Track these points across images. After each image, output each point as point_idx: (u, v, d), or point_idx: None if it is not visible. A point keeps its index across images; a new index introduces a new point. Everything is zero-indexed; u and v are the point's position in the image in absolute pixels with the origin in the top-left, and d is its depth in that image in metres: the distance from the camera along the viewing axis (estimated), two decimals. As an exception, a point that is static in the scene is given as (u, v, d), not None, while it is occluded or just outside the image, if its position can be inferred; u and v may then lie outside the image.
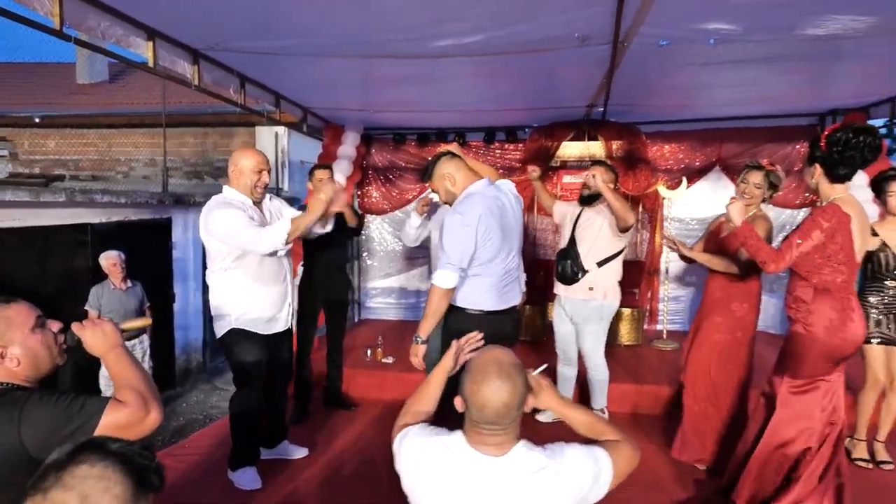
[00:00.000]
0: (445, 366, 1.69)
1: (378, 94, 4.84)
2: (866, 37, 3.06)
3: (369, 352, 4.86)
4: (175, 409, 5.57)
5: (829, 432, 2.48)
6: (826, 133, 2.43)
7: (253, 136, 8.02)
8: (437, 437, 1.45)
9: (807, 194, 5.52)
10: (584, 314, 3.62)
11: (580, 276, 3.60)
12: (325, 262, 3.95)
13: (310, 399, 4.07)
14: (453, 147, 2.99)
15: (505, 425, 1.36)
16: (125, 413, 1.35)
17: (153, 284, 5.39)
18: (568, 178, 6.01)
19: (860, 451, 3.40)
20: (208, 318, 6.57)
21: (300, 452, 3.40)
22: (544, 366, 1.71)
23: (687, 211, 5.84)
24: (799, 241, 2.38)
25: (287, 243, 2.79)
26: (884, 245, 3.25)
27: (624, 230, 3.54)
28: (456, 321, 2.61)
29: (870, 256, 3.26)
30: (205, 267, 6.56)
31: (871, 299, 3.28)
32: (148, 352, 4.58)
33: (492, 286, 2.62)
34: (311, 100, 5.15)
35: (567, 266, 3.59)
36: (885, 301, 3.26)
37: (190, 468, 3.30)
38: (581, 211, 3.72)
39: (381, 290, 6.63)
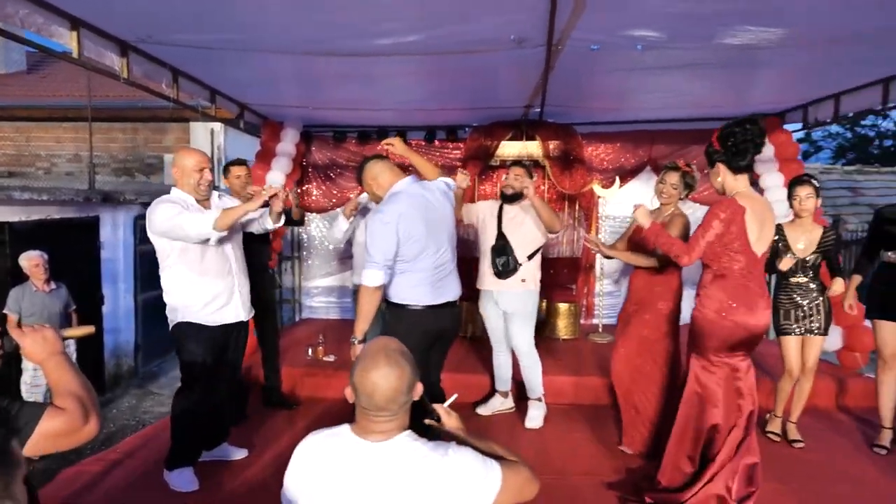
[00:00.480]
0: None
1: (318, 92, 4.80)
2: (778, 47, 3.29)
3: (310, 350, 4.81)
4: (105, 416, 5.33)
5: (738, 415, 2.66)
6: (716, 135, 2.65)
7: (187, 133, 7.77)
8: (321, 433, 1.48)
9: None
10: (517, 305, 3.74)
11: (517, 269, 3.71)
12: (248, 262, 3.88)
13: (246, 400, 4.00)
14: (396, 142, 3.04)
15: (394, 411, 1.39)
16: (63, 420, 1.31)
17: (80, 286, 5.15)
18: (507, 177, 6.13)
19: (774, 426, 3.68)
20: (141, 321, 6.39)
21: (240, 454, 3.35)
22: (454, 397, 1.76)
23: (620, 209, 6.07)
24: (703, 233, 2.60)
25: (218, 231, 2.76)
26: (787, 245, 3.50)
27: (553, 233, 3.74)
28: (395, 318, 2.67)
29: (776, 255, 3.49)
30: (135, 268, 6.34)
31: (781, 295, 3.56)
32: (74, 356, 4.38)
33: (424, 281, 2.70)
34: (249, 96, 5.05)
35: (508, 261, 3.69)
36: (792, 296, 3.53)
37: (120, 473, 3.19)
38: (501, 206, 3.84)
39: (321, 288, 6.57)
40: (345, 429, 1.45)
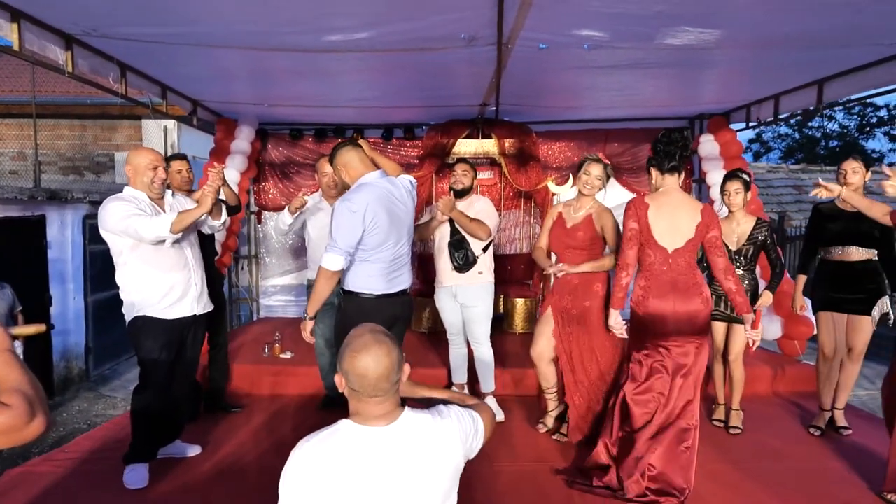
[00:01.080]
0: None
1: (272, 88, 4.77)
2: (717, 48, 3.44)
3: (267, 348, 4.79)
4: (54, 420, 5.18)
5: (669, 399, 2.81)
6: (651, 145, 2.99)
7: (139, 130, 7.61)
8: (315, 436, 1.44)
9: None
10: (476, 297, 3.79)
11: (476, 262, 3.78)
12: None
13: (200, 398, 3.97)
14: (363, 144, 3.09)
15: (387, 390, 1.42)
16: (7, 417, 1.29)
17: (26, 287, 4.99)
18: (464, 175, 6.21)
19: (718, 414, 3.86)
20: (92, 322, 6.22)
21: (193, 450, 3.32)
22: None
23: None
24: (625, 241, 2.91)
25: (174, 233, 2.80)
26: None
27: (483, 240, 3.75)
28: (349, 305, 2.76)
29: None
30: (85, 268, 6.17)
31: (716, 284, 3.69)
32: (21, 358, 4.25)
33: (380, 271, 2.79)
34: (202, 92, 4.98)
35: (466, 254, 3.75)
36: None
37: (69, 473, 3.13)
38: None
39: (279, 287, 6.52)
40: (343, 423, 1.44)
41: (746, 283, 3.64)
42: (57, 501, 2.87)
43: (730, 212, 3.70)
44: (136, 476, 2.95)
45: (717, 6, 2.81)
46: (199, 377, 4.08)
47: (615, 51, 3.47)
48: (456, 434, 1.49)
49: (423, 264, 6.09)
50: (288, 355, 4.72)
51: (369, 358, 1.40)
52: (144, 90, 4.43)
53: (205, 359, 4.05)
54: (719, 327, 3.77)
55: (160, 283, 2.92)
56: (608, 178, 3.43)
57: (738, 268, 3.66)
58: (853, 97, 4.89)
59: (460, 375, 4.15)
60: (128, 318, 2.96)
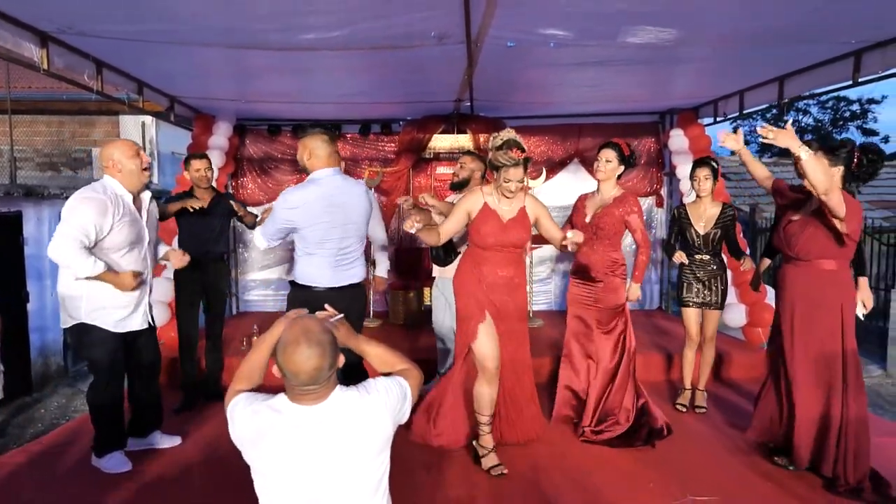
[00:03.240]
0: (273, 334, 1.68)
1: (250, 85, 4.82)
2: (678, 46, 3.57)
3: (245, 340, 4.86)
4: (32, 416, 5.20)
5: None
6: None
7: (116, 126, 7.59)
8: (263, 403, 1.56)
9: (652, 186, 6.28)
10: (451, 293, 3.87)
11: (453, 257, 3.81)
12: (205, 250, 3.93)
13: (197, 390, 4.08)
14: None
15: (321, 383, 1.51)
16: None
17: (2, 283, 5.00)
18: (441, 170, 6.31)
19: (683, 398, 4.00)
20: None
21: (171, 441, 3.39)
22: (340, 315, 1.83)
23: (548, 199, 6.29)
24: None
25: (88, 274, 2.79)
26: (689, 224, 3.80)
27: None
28: (297, 297, 2.88)
29: (682, 233, 3.84)
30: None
31: (686, 269, 3.86)
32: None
33: (327, 265, 2.91)
34: (179, 88, 5.01)
35: (439, 250, 3.80)
36: (694, 271, 3.82)
37: (45, 464, 3.19)
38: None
39: (259, 282, 6.56)
40: (281, 398, 1.55)
41: (714, 267, 3.78)
42: (30, 491, 2.93)
43: (698, 197, 3.82)
44: (114, 462, 3.03)
45: (675, 5, 2.92)
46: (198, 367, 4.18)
47: (581, 48, 3.58)
48: (383, 407, 1.58)
49: (399, 258, 6.18)
50: (266, 347, 4.79)
51: (301, 359, 1.47)
52: (121, 86, 4.46)
53: (201, 349, 4.16)
54: (693, 314, 3.86)
55: (113, 297, 2.89)
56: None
57: (708, 255, 3.78)
58: (814, 92, 5.07)
59: (446, 366, 4.20)
60: (70, 321, 2.90)
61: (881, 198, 10.82)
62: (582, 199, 3.65)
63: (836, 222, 2.69)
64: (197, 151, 5.62)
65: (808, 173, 2.59)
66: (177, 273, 3.86)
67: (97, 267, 2.78)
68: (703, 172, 3.73)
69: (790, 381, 2.95)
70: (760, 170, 3.25)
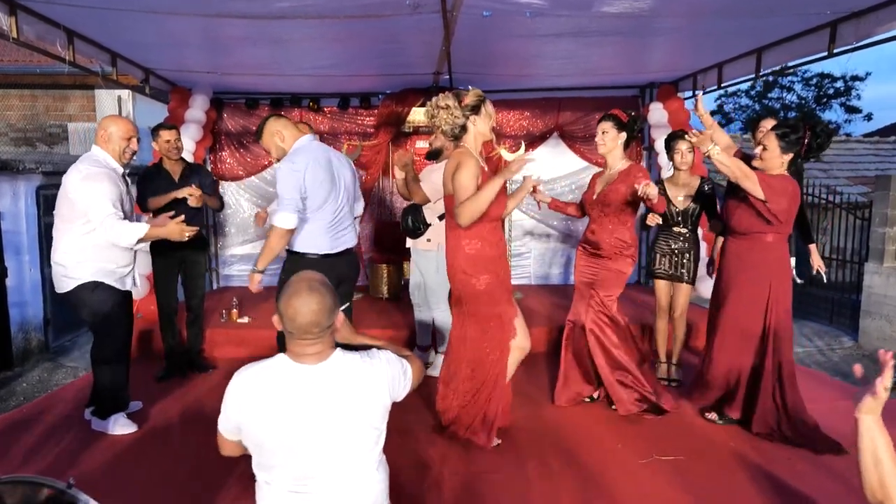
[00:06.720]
0: None
1: (226, 56, 4.76)
2: (654, 16, 3.58)
3: (224, 313, 4.88)
4: (14, 390, 5.20)
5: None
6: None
7: (92, 100, 7.46)
8: (259, 364, 1.61)
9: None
10: (424, 264, 3.92)
11: (422, 229, 3.83)
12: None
13: (180, 359, 4.15)
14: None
15: (316, 334, 1.55)
16: None
17: (-22, 258, 4.96)
18: (420, 143, 6.30)
19: (661, 372, 4.04)
20: (50, 294, 6.18)
21: (134, 406, 3.43)
22: (344, 305, 1.94)
23: (526, 172, 6.34)
24: None
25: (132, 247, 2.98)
26: (667, 198, 3.80)
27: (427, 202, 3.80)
28: (293, 265, 2.86)
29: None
30: (41, 239, 6.09)
31: (661, 241, 3.90)
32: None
33: (323, 230, 2.95)
34: (154, 60, 4.95)
35: (408, 221, 3.82)
36: (669, 243, 3.86)
37: (28, 431, 3.22)
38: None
39: (239, 257, 6.55)
40: (280, 358, 1.60)
41: (685, 243, 3.80)
42: (19, 452, 2.98)
43: (676, 170, 3.83)
44: (121, 424, 3.14)
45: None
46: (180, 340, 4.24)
47: (556, 18, 3.58)
48: (383, 375, 1.63)
49: (378, 231, 6.20)
50: (245, 320, 4.82)
51: (301, 302, 1.52)
52: (94, 58, 4.39)
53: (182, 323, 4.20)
54: (663, 286, 3.92)
55: (116, 256, 3.01)
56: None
57: (685, 228, 3.81)
58: (796, 68, 5.12)
59: (424, 338, 4.26)
60: (72, 283, 2.98)
61: (858, 174, 10.97)
62: (595, 177, 3.60)
63: (758, 203, 2.91)
64: (169, 123, 5.59)
65: (719, 168, 2.84)
66: (153, 245, 3.87)
67: (143, 226, 2.92)
68: (685, 146, 3.71)
69: (712, 341, 3.25)
70: (724, 138, 3.31)
